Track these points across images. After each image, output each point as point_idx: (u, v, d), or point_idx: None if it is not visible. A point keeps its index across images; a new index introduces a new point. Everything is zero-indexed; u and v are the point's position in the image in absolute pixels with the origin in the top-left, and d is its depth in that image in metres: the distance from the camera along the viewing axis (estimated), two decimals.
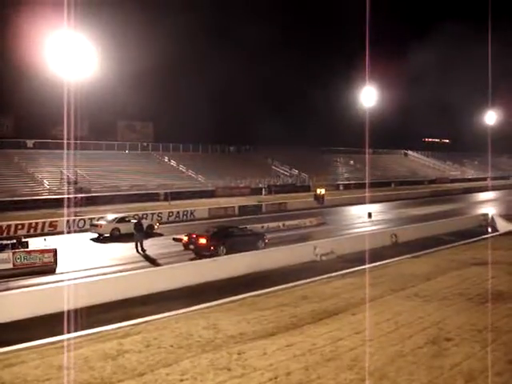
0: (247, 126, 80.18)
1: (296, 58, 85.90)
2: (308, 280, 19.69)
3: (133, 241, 28.32)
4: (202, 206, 46.60)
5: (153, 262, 25.63)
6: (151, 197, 55.93)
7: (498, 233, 33.44)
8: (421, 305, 15.70)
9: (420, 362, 11.19)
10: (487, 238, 30.74)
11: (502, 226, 35.05)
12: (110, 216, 33.95)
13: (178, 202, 52.09)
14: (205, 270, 21.01)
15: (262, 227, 34.63)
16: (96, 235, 32.31)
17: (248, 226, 31.43)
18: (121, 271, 21.72)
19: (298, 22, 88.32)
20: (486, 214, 39.64)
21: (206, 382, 10.23)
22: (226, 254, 24.85)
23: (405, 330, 13.31)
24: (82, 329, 13.61)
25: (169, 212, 42.38)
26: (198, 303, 16.44)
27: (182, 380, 10.33)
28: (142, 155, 72.69)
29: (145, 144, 74.79)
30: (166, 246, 29.45)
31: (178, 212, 42.85)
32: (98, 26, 50.71)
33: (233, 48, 76.43)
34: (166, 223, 38.87)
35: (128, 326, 14.21)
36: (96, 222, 33.37)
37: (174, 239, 30.59)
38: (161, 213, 41.35)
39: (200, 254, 25.58)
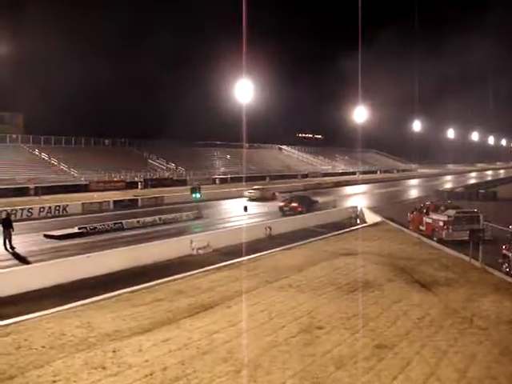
0: (123, 120, 78.77)
1: (171, 51, 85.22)
2: (184, 274, 19.75)
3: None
4: (75, 201, 45.08)
5: (23, 259, 24.50)
6: (20, 191, 53.34)
7: (366, 224, 35.18)
8: (294, 295, 16.27)
9: (293, 350, 11.63)
10: (356, 229, 32.32)
11: (370, 217, 36.95)
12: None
13: (49, 196, 50.15)
14: (78, 267, 20.39)
15: (138, 222, 34.39)
16: None
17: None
18: None
19: (172, 12, 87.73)
20: (355, 207, 41.50)
21: (79, 382, 10.06)
22: (306, 212, 38.90)
23: (278, 320, 13.75)
24: None
25: (40, 207, 40.57)
26: (71, 301, 16.01)
27: (54, 381, 10.10)
28: (10, 147, 68.92)
29: (14, 136, 71.03)
30: (37, 243, 28.31)
31: (50, 207, 41.08)
32: None
33: (107, 39, 74.61)
34: (37, 219, 37.38)
35: None
36: None
37: (45, 236, 29.48)
38: (31, 208, 39.63)
39: (294, 212, 40.22)
